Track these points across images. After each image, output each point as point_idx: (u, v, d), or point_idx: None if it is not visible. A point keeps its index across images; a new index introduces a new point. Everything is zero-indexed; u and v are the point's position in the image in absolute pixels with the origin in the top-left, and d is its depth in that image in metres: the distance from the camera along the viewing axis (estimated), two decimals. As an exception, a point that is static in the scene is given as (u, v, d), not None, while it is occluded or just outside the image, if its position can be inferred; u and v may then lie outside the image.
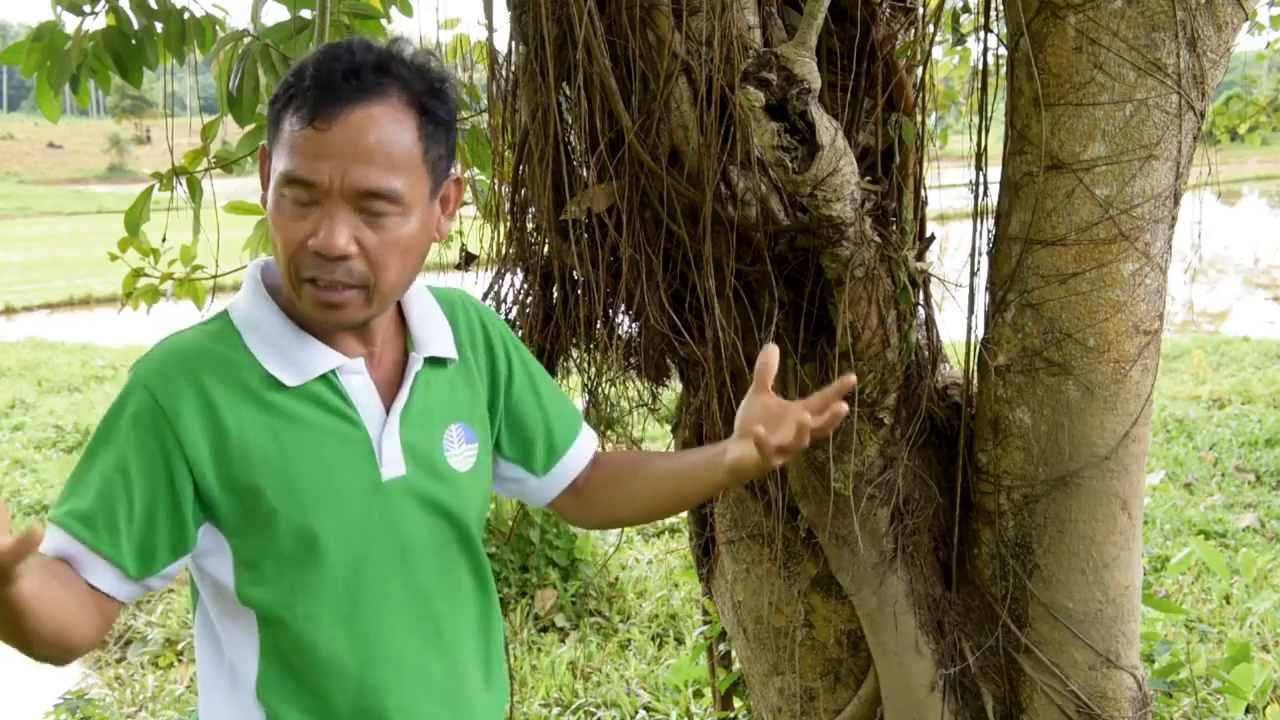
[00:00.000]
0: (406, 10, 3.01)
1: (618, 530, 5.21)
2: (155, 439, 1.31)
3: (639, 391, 2.33)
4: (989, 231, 2.15)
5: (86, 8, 2.86)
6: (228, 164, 2.98)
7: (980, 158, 2.20)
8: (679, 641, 4.57)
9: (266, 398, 1.35)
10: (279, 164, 1.30)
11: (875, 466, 2.14)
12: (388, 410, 1.42)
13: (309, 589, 1.36)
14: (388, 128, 1.29)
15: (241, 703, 1.39)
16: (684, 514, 2.66)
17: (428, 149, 1.33)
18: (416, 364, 1.45)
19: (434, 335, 1.49)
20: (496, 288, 2.30)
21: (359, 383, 1.41)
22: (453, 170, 1.43)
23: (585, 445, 1.67)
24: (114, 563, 1.31)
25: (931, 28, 2.28)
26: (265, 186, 1.39)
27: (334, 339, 1.40)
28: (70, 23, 2.91)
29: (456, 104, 1.40)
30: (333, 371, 1.38)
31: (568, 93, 2.09)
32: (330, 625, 1.37)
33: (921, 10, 2.24)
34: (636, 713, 3.98)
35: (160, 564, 1.34)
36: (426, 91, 1.32)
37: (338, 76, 1.28)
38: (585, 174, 2.10)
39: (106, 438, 1.33)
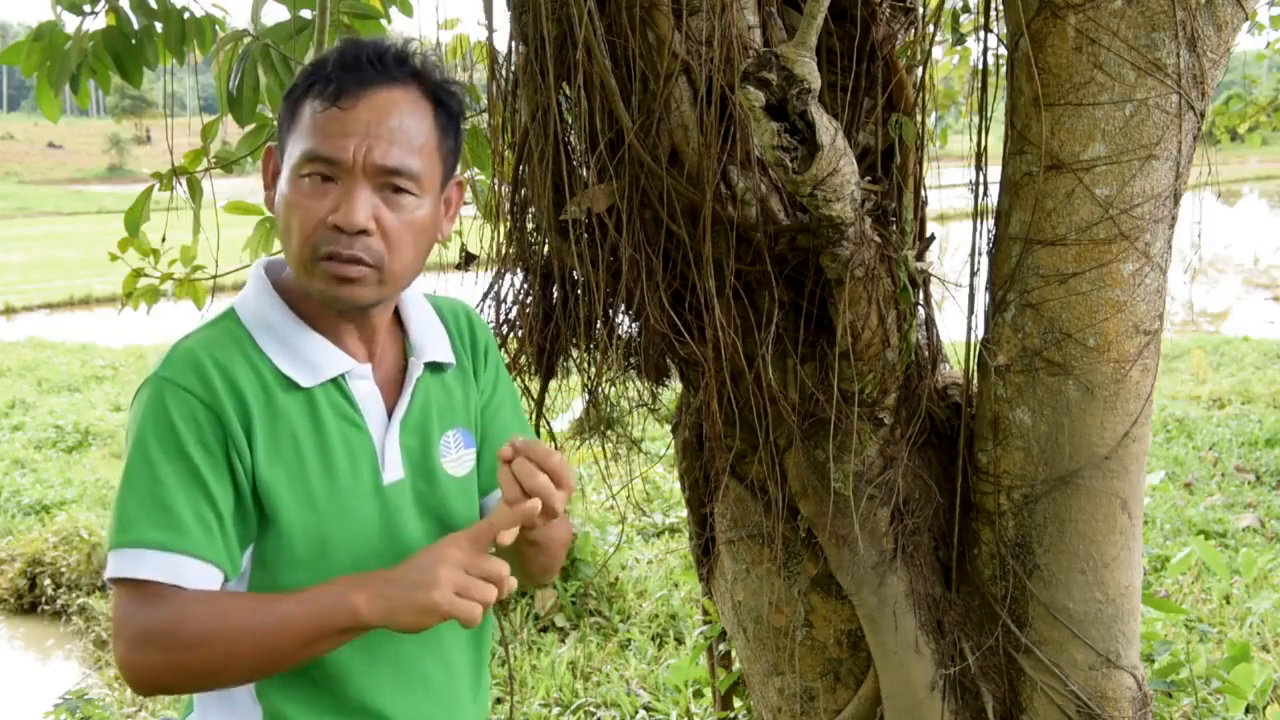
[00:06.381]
0: (406, 10, 3.01)
1: (618, 530, 5.21)
2: (214, 436, 1.31)
3: (639, 391, 2.33)
4: (989, 231, 2.15)
5: (86, 8, 2.86)
6: (228, 164, 2.98)
7: (980, 158, 2.20)
8: (679, 641, 4.57)
9: (282, 398, 1.36)
10: (299, 146, 1.33)
11: (875, 466, 2.14)
12: (389, 414, 1.44)
13: None
14: (408, 111, 1.34)
15: (237, 703, 1.39)
16: (684, 514, 2.66)
17: (441, 139, 1.38)
18: (417, 370, 1.46)
19: (432, 340, 1.50)
20: (496, 288, 2.30)
21: (366, 388, 1.42)
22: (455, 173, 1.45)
23: None
24: (217, 565, 1.31)
25: (931, 28, 2.28)
26: (270, 185, 1.41)
27: (341, 340, 1.41)
28: (70, 23, 2.91)
29: (463, 107, 1.44)
30: (342, 375, 1.40)
31: (568, 93, 2.09)
32: None
33: (921, 10, 2.24)
34: (636, 713, 3.98)
35: (240, 561, 1.35)
36: (441, 86, 1.38)
37: (362, 61, 1.33)
38: (585, 174, 2.10)
39: (162, 447, 1.30)
